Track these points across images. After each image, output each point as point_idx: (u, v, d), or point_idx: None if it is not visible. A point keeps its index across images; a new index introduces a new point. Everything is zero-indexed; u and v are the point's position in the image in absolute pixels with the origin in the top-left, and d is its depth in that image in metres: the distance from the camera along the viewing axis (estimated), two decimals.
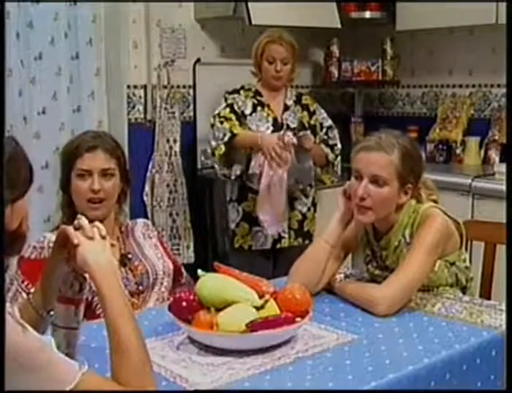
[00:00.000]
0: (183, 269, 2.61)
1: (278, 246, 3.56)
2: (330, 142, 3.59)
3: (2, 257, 1.36)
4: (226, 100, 3.55)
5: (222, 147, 3.40)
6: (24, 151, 1.42)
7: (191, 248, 4.35)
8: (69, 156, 2.32)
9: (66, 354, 1.45)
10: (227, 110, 3.49)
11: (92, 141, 2.33)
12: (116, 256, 2.34)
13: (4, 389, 1.24)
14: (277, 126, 3.50)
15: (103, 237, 1.53)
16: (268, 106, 3.55)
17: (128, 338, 1.41)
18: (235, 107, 3.50)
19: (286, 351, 1.79)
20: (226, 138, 3.39)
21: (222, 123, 3.43)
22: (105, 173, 2.32)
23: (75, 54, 3.97)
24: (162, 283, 2.42)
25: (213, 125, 3.46)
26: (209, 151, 3.51)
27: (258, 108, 3.53)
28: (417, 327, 1.97)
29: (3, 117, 1.70)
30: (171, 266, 2.48)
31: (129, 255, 2.40)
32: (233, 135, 3.38)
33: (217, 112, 3.51)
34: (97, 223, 1.54)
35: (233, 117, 3.45)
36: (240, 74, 3.82)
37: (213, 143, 3.44)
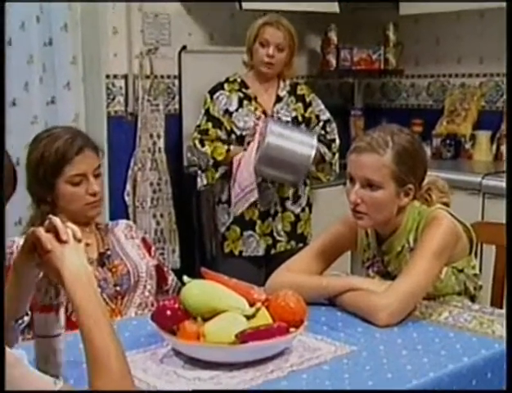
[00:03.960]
0: (171, 272, 2.62)
1: (272, 252, 3.57)
2: (328, 137, 3.59)
3: (2, 256, 1.37)
4: (204, 103, 3.58)
5: (213, 170, 3.51)
6: (8, 154, 1.42)
7: (177, 252, 4.35)
8: (54, 164, 2.29)
9: (55, 363, 1.48)
10: (204, 119, 3.54)
11: (77, 141, 2.31)
12: (93, 256, 2.35)
13: (4, 389, 1.25)
14: None
15: (78, 240, 1.52)
16: (256, 98, 3.55)
17: (106, 351, 1.41)
18: (214, 111, 3.52)
19: (279, 364, 1.79)
20: (210, 164, 3.49)
21: (203, 145, 3.49)
22: (96, 173, 2.35)
23: (48, 40, 3.95)
24: (145, 286, 2.43)
25: (195, 145, 3.53)
26: (199, 170, 3.59)
27: (245, 102, 3.53)
28: (422, 338, 1.97)
29: (3, 118, 1.72)
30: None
31: (108, 252, 2.41)
32: (216, 161, 3.48)
33: (198, 123, 3.57)
34: (71, 225, 1.54)
35: (210, 127, 3.50)
36: (229, 63, 3.83)
37: (202, 164, 3.54)
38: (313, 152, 3.32)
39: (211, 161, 3.47)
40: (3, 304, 1.32)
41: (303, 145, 3.32)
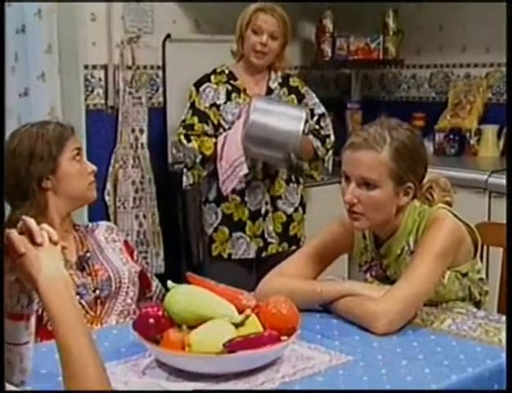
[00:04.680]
0: (154, 278, 2.63)
1: (263, 254, 3.58)
2: (322, 133, 3.60)
3: (2, 254, 1.40)
4: (190, 96, 3.58)
5: (200, 167, 3.50)
6: None
7: (161, 256, 4.36)
8: (57, 140, 2.38)
9: (20, 369, 1.51)
10: (190, 113, 3.54)
11: (65, 124, 2.47)
12: (72, 259, 2.36)
13: (4, 389, 1.27)
14: None
15: (54, 243, 1.52)
16: (245, 90, 3.55)
17: (83, 362, 1.41)
18: (200, 104, 3.52)
19: (271, 375, 1.80)
20: (197, 160, 3.48)
21: (189, 140, 3.49)
22: None
23: (21, 27, 3.94)
24: (127, 293, 2.44)
25: (180, 141, 3.53)
26: (185, 168, 3.58)
27: (233, 95, 3.53)
28: (423, 348, 1.98)
29: (3, 117, 1.73)
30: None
31: (88, 255, 2.43)
32: (204, 156, 3.47)
33: (183, 117, 3.57)
34: (47, 227, 1.54)
35: (196, 122, 3.49)
36: (217, 53, 3.83)
37: (188, 162, 3.53)
38: (301, 125, 3.30)
39: (199, 157, 3.46)
40: (3, 304, 1.32)
41: (290, 119, 3.32)
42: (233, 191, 3.48)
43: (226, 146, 3.39)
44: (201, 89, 3.55)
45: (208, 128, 3.49)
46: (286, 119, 3.32)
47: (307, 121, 3.38)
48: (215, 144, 3.45)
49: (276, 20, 3.50)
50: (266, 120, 3.30)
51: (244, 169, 3.38)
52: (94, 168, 2.48)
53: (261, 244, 3.57)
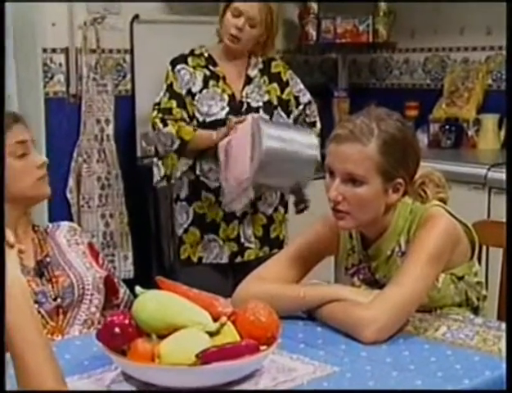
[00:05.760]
0: (122, 284, 2.63)
1: (238, 260, 3.57)
2: (308, 121, 3.60)
3: (3, 253, 1.42)
4: (166, 77, 3.54)
5: (174, 156, 3.48)
6: None
7: (130, 259, 4.36)
8: None
9: None
10: (166, 96, 3.49)
11: (8, 112, 2.41)
12: (30, 264, 2.36)
13: (4, 389, 1.28)
14: (235, 106, 3.49)
15: (10, 246, 1.52)
16: (224, 78, 3.54)
17: (41, 378, 1.41)
18: (177, 87, 3.49)
19: (249, 388, 1.80)
20: (175, 146, 3.45)
21: (165, 125, 3.44)
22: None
23: None
24: (91, 301, 2.44)
25: (154, 125, 3.48)
26: (156, 158, 3.57)
27: (211, 82, 3.51)
28: (415, 357, 1.99)
29: (3, 115, 1.74)
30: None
31: (48, 259, 2.42)
32: (183, 142, 3.44)
33: (157, 100, 3.52)
34: None
35: (174, 106, 3.46)
36: (190, 36, 3.82)
37: (161, 150, 3.50)
38: (318, 153, 3.30)
39: (177, 143, 3.41)
40: (3, 305, 1.34)
41: (303, 147, 3.31)
42: (208, 189, 3.50)
43: (233, 158, 3.35)
44: (176, 70, 3.51)
45: (186, 116, 3.47)
46: (299, 146, 3.31)
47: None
48: (194, 130, 3.43)
49: (257, 5, 3.46)
50: (280, 147, 3.26)
51: (251, 194, 3.38)
52: (45, 159, 2.43)
53: (235, 249, 3.55)
